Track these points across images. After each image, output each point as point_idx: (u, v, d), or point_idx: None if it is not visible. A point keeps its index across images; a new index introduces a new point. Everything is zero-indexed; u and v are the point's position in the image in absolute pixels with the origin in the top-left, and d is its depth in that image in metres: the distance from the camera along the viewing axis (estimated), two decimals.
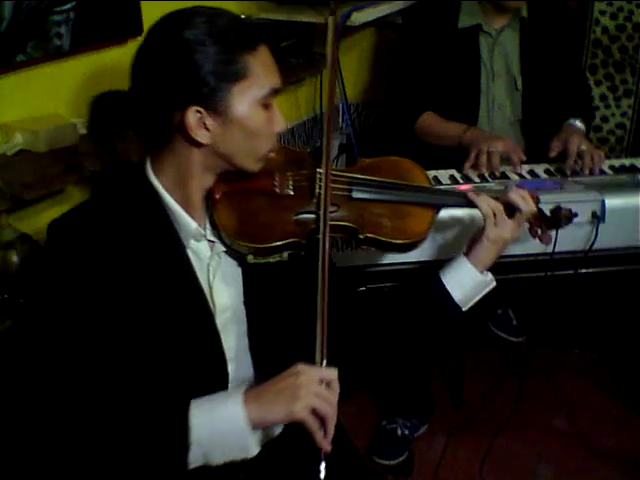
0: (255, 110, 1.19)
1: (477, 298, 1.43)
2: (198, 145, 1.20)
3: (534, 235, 1.54)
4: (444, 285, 1.40)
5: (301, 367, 1.17)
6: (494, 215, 1.41)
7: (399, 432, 2.45)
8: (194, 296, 1.27)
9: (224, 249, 1.30)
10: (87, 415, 1.17)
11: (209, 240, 1.29)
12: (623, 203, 1.87)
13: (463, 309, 1.41)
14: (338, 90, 2.49)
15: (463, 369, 2.64)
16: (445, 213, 1.69)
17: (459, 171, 2.09)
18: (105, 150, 1.70)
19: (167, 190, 1.24)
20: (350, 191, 1.37)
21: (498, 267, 1.83)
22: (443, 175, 2.07)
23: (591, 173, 2.06)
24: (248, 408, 1.13)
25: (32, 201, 1.74)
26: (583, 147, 2.07)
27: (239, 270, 1.33)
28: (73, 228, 1.22)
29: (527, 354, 2.81)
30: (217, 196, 1.26)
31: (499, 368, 2.76)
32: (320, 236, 1.28)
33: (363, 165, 1.47)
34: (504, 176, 2.06)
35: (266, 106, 1.21)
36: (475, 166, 2.08)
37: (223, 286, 1.31)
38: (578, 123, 2.23)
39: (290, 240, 1.28)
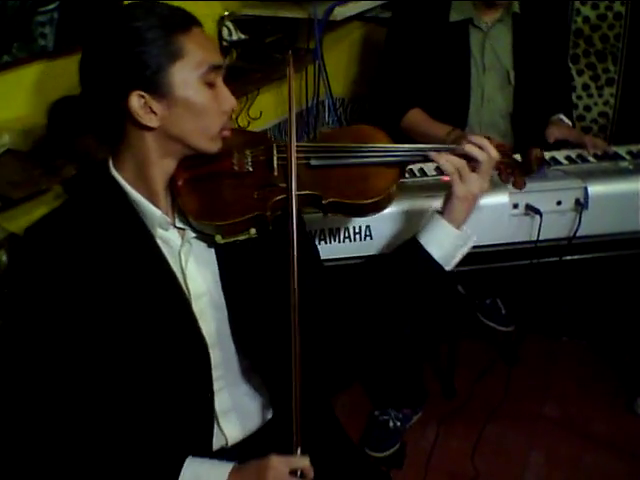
0: (198, 88, 1.22)
1: (459, 255, 1.41)
2: (149, 130, 1.22)
3: (505, 181, 1.50)
4: (422, 246, 1.39)
5: (274, 461, 1.24)
6: (458, 171, 1.39)
7: (391, 424, 2.47)
8: (167, 284, 1.30)
9: (194, 235, 1.32)
10: (73, 433, 1.23)
11: (178, 228, 1.32)
12: (606, 190, 1.88)
13: (446, 268, 1.40)
14: (323, 85, 2.51)
15: (453, 359, 2.65)
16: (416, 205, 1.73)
17: None
18: (65, 153, 1.74)
19: (130, 183, 1.27)
20: (308, 159, 1.38)
21: (482, 256, 1.87)
22: (429, 167, 2.08)
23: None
24: None
25: (20, 200, 1.75)
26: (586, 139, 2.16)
27: (213, 256, 1.35)
28: (46, 233, 1.27)
29: (516, 343, 2.83)
30: (179, 182, 1.28)
31: (489, 357, 2.78)
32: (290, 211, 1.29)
33: (323, 136, 1.49)
34: None
35: (210, 84, 1.24)
36: None
37: (197, 272, 1.33)
38: (566, 120, 2.31)
39: (253, 214, 1.29)
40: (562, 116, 2.34)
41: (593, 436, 2.46)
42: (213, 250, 1.35)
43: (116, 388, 1.27)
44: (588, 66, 2.90)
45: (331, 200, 1.35)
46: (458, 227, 1.40)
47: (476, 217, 1.53)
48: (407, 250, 1.42)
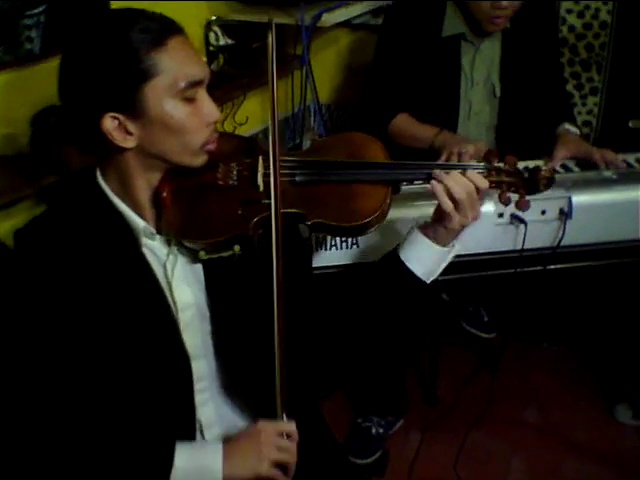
0: (175, 106, 1.17)
1: (441, 268, 1.37)
2: (128, 149, 1.19)
3: (505, 203, 1.35)
4: (403, 262, 1.34)
5: (261, 425, 1.28)
6: (464, 199, 1.29)
7: (374, 430, 2.47)
8: (152, 294, 1.28)
9: (178, 247, 1.30)
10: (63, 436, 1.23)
11: (166, 239, 1.29)
12: (590, 200, 1.90)
13: (428, 281, 1.36)
14: (309, 91, 2.51)
15: (436, 366, 2.66)
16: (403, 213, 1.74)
17: None
18: (50, 164, 1.72)
19: (116, 193, 1.25)
20: (293, 175, 1.29)
21: (468, 265, 1.87)
22: None
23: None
24: (224, 464, 1.24)
25: (3, 206, 1.74)
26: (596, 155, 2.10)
27: (200, 267, 1.33)
28: (36, 237, 1.26)
29: (498, 349, 2.83)
30: (164, 194, 1.24)
31: (471, 364, 2.79)
32: (272, 230, 1.23)
33: (314, 146, 1.39)
34: None
35: (189, 100, 1.19)
36: None
37: (184, 284, 1.31)
38: (573, 129, 2.28)
39: (236, 233, 1.24)
40: (568, 125, 2.28)
41: (574, 443, 2.47)
42: (200, 262, 1.33)
43: (98, 394, 1.26)
44: (572, 75, 2.92)
45: (315, 221, 1.27)
46: (442, 245, 1.35)
47: None
48: (389, 266, 1.38)
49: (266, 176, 1.27)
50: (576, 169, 2.11)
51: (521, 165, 1.36)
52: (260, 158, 1.30)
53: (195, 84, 1.18)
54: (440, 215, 1.33)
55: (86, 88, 1.15)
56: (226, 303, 1.34)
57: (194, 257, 1.30)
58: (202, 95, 1.21)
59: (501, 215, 1.85)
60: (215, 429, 1.41)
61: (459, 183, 1.29)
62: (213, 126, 1.24)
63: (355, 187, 1.30)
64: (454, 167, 1.34)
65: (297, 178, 1.30)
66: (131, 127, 1.16)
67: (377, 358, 2.32)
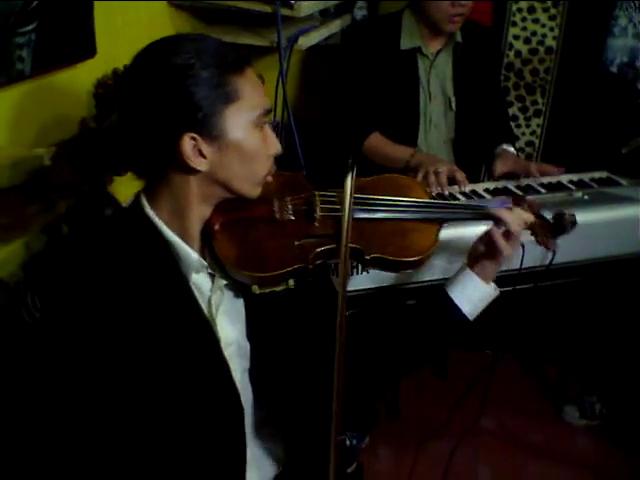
0: (250, 132, 1.20)
1: (484, 307, 1.43)
2: (195, 173, 1.19)
3: (540, 243, 1.53)
4: (452, 301, 1.39)
5: None
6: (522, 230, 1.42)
7: (347, 442, 2.49)
8: (201, 330, 1.26)
9: (226, 282, 1.28)
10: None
11: (209, 273, 1.28)
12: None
13: (470, 319, 1.41)
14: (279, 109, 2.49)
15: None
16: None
17: None
18: (93, 189, 1.64)
19: (165, 223, 1.23)
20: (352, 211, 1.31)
21: None
22: None
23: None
24: None
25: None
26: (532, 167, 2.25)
27: (241, 304, 1.32)
28: (80, 268, 1.19)
29: (453, 359, 2.92)
30: (216, 227, 1.24)
31: (426, 375, 2.87)
32: (341, 266, 1.24)
33: (360, 184, 1.40)
34: (451, 196, 2.15)
35: (260, 128, 1.22)
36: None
37: (227, 320, 1.30)
38: (511, 149, 2.44)
39: (296, 266, 1.25)
40: (505, 146, 2.45)
41: (532, 446, 2.61)
42: (242, 298, 1.32)
43: (145, 433, 1.22)
44: (517, 98, 3.06)
45: (374, 255, 1.32)
46: (487, 282, 1.42)
47: (455, 248, 1.65)
48: (440, 306, 1.41)
49: (324, 210, 1.31)
50: (543, 190, 2.22)
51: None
52: (317, 193, 1.34)
53: (267, 113, 1.22)
54: (491, 252, 1.40)
55: (167, 105, 1.14)
56: (265, 341, 1.33)
57: (240, 293, 1.30)
58: (267, 126, 1.24)
59: None
60: (252, 465, 1.36)
61: (518, 219, 1.42)
62: (273, 159, 1.26)
63: (408, 224, 1.38)
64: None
65: (355, 215, 1.31)
66: (205, 150, 1.17)
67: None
